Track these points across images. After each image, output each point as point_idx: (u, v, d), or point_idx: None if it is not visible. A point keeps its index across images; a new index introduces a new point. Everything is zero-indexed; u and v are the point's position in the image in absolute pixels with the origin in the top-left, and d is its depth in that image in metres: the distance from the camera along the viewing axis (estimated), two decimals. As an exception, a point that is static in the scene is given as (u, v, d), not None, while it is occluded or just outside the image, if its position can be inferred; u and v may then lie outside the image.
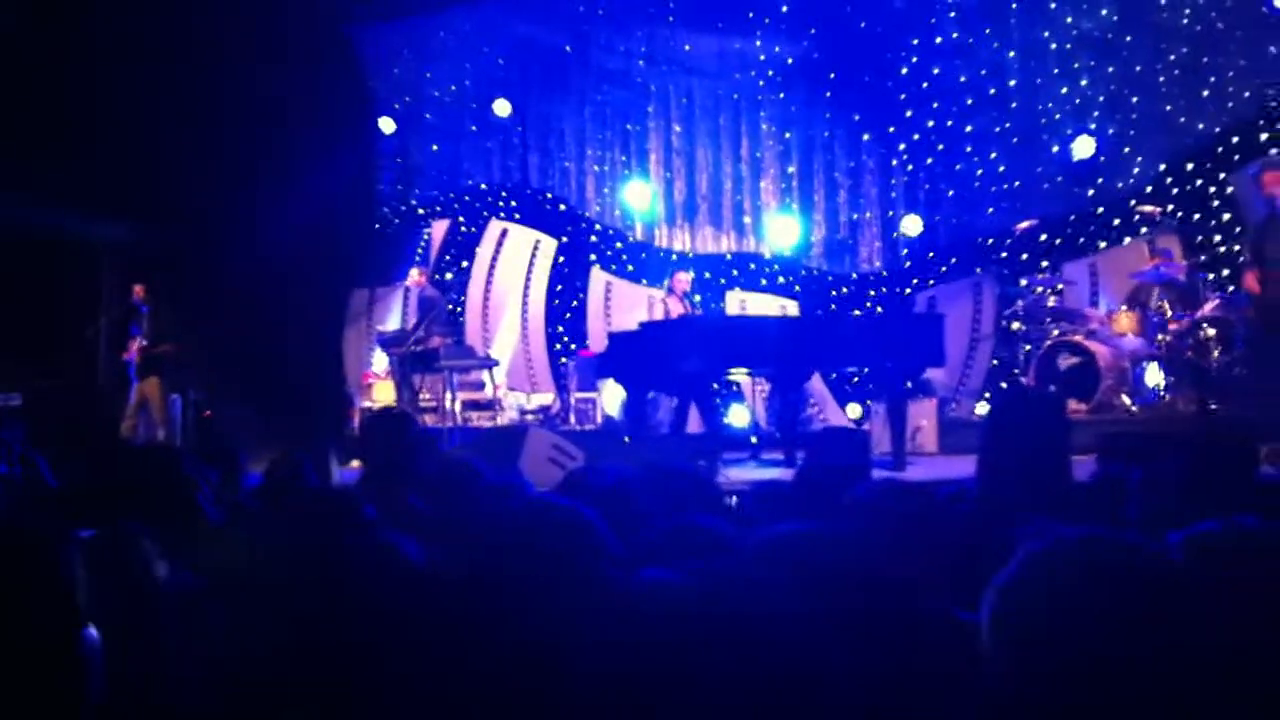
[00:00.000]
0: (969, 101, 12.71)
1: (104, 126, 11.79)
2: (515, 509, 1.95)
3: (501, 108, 14.67)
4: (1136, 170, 11.86)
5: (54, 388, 11.42)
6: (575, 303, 14.74)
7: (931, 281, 13.01)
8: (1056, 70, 12.28)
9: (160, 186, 12.38)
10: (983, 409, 12.10)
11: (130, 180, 12.23)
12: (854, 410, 12.56)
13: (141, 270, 11.82)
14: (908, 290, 13.09)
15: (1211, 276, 10.71)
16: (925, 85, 12.91)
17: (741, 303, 13.81)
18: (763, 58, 13.73)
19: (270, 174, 13.03)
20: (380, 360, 13.90)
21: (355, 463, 7.83)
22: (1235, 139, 11.41)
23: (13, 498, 4.23)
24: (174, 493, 3.54)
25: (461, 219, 15.45)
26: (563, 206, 14.95)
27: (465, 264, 15.27)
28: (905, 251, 13.17)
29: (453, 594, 1.97)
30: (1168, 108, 11.75)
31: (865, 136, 13.36)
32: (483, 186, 15.39)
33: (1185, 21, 11.65)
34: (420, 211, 15.60)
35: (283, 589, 2.33)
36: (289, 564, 2.59)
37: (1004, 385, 12.12)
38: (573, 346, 14.42)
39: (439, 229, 15.48)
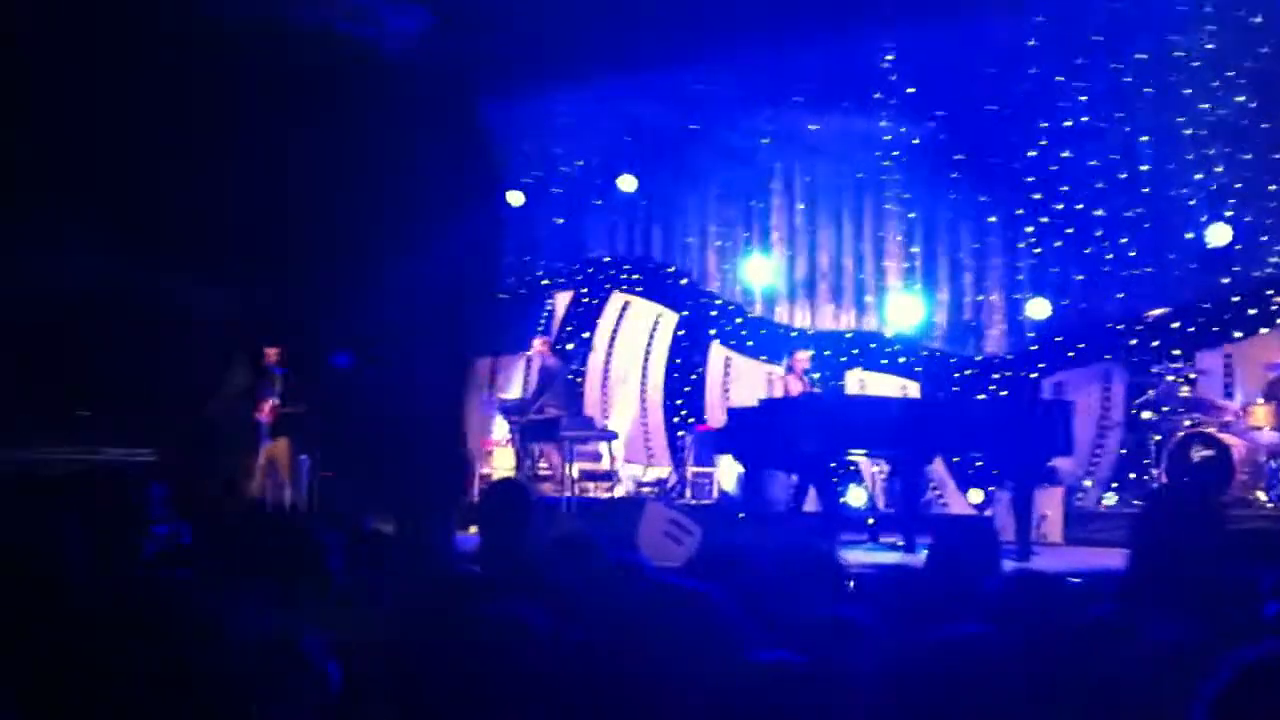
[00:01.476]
0: (1099, 185, 12.52)
1: (235, 192, 12.19)
2: (651, 589, 1.96)
3: (626, 183, 14.85)
4: (1274, 259, 11.55)
5: (185, 446, 11.73)
6: (694, 377, 14.76)
7: (1059, 367, 12.75)
8: (1190, 155, 12.04)
9: (292, 251, 12.77)
10: (1111, 499, 11.81)
11: (262, 245, 12.63)
12: (975, 495, 12.32)
13: (272, 334, 12.14)
14: (1034, 375, 12.84)
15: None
16: (1053, 168, 12.75)
17: (861, 382, 13.69)
18: (888, 138, 13.72)
19: (399, 241, 13.35)
20: (501, 428, 14.05)
21: (473, 529, 7.90)
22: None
23: (158, 557, 4.35)
24: (304, 557, 3.61)
25: (584, 290, 15.62)
26: (684, 281, 15.03)
27: (587, 335, 15.41)
28: (1032, 335, 12.94)
29: (584, 668, 1.97)
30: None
31: (991, 218, 13.23)
32: (606, 259, 15.56)
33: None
34: (544, 282, 15.81)
35: (412, 655, 2.36)
36: (419, 630, 2.62)
37: (1135, 477, 11.79)
38: (691, 420, 14.41)
39: (562, 300, 15.67)
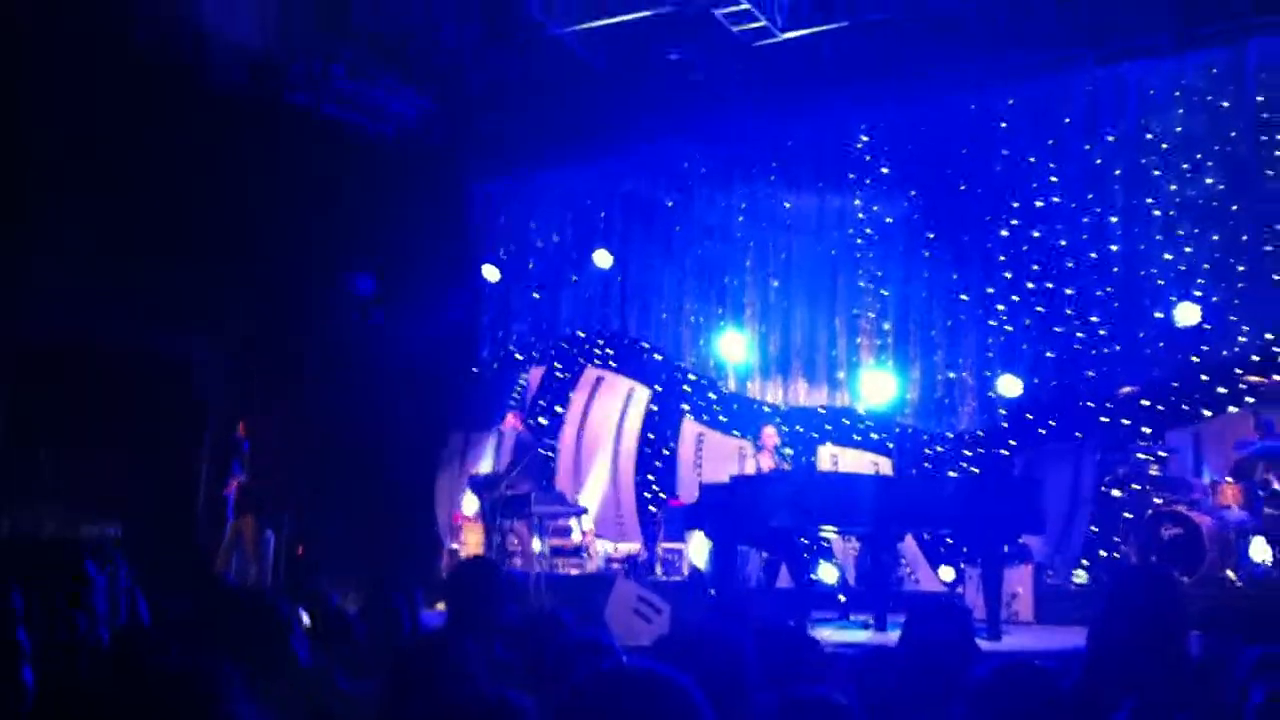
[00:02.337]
0: (1069, 264, 12.63)
1: (214, 262, 12.18)
2: (614, 673, 1.92)
3: (602, 259, 14.92)
4: (1242, 339, 11.63)
5: (151, 520, 11.60)
6: (666, 452, 14.74)
7: (1029, 444, 12.78)
8: (1160, 236, 12.16)
9: (267, 324, 12.75)
10: (1081, 577, 11.79)
11: (238, 317, 12.61)
12: (946, 573, 12.30)
13: (243, 406, 12.07)
14: (1005, 452, 12.87)
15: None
16: (1025, 248, 12.87)
17: (834, 458, 13.69)
18: (861, 216, 13.85)
19: (373, 315, 13.37)
20: (471, 503, 13.96)
21: (440, 605, 7.82)
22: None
23: (114, 635, 4.27)
24: (268, 635, 3.55)
25: (558, 365, 15.63)
26: (658, 356, 15.06)
27: (559, 409, 15.39)
28: (1003, 412, 12.98)
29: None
30: (1275, 277, 11.56)
31: (964, 296, 13.32)
32: (580, 334, 15.59)
33: (1292, 192, 11.56)
34: (518, 357, 15.81)
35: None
36: (383, 709, 2.57)
37: (1105, 555, 11.78)
38: (662, 496, 14.37)
39: (535, 374, 15.67)
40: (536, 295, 15.80)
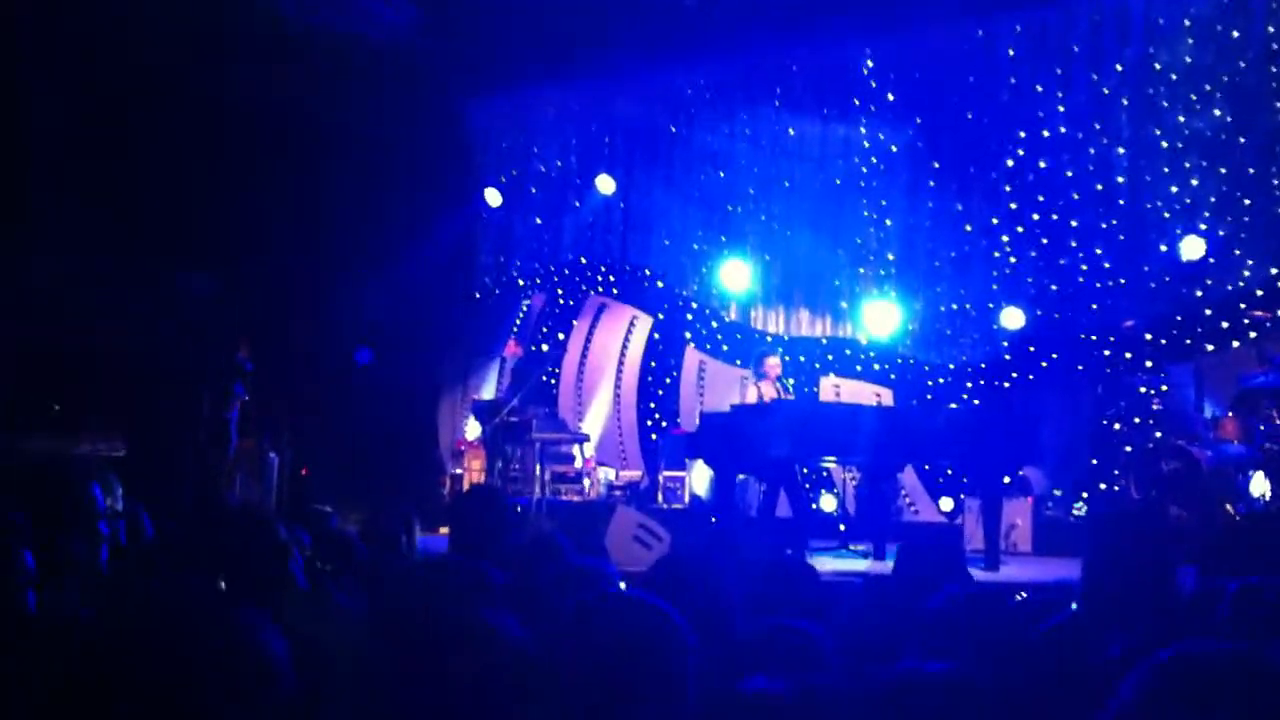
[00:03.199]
0: (1075, 196, 12.55)
1: (207, 184, 12.14)
2: (607, 604, 1.94)
3: (605, 184, 14.83)
4: (1247, 273, 11.59)
5: (155, 440, 11.65)
6: (669, 380, 14.75)
7: (1031, 376, 12.78)
8: (1166, 169, 12.07)
9: (264, 246, 12.72)
10: (1081, 509, 11.84)
11: (235, 241, 12.58)
12: (946, 504, 12.35)
13: (245, 330, 12.07)
14: (1006, 384, 12.88)
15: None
16: (1031, 178, 12.78)
17: (835, 388, 13.70)
18: (867, 145, 13.73)
19: (375, 239, 13.32)
20: (474, 428, 14.02)
21: (444, 529, 7.87)
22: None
23: (115, 549, 4.29)
24: (267, 557, 3.57)
25: (560, 292, 15.60)
26: (660, 284, 15.02)
27: (562, 336, 15.40)
28: (1005, 344, 12.95)
29: (549, 680, 1.95)
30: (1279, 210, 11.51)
31: (968, 227, 13.23)
32: (582, 261, 15.53)
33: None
34: (520, 283, 15.78)
35: (378, 662, 2.33)
36: (387, 638, 2.59)
37: (1105, 487, 11.83)
38: (664, 424, 14.41)
39: (537, 301, 15.65)
40: (539, 221, 15.73)
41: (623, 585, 4.10)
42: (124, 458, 11.28)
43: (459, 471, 13.78)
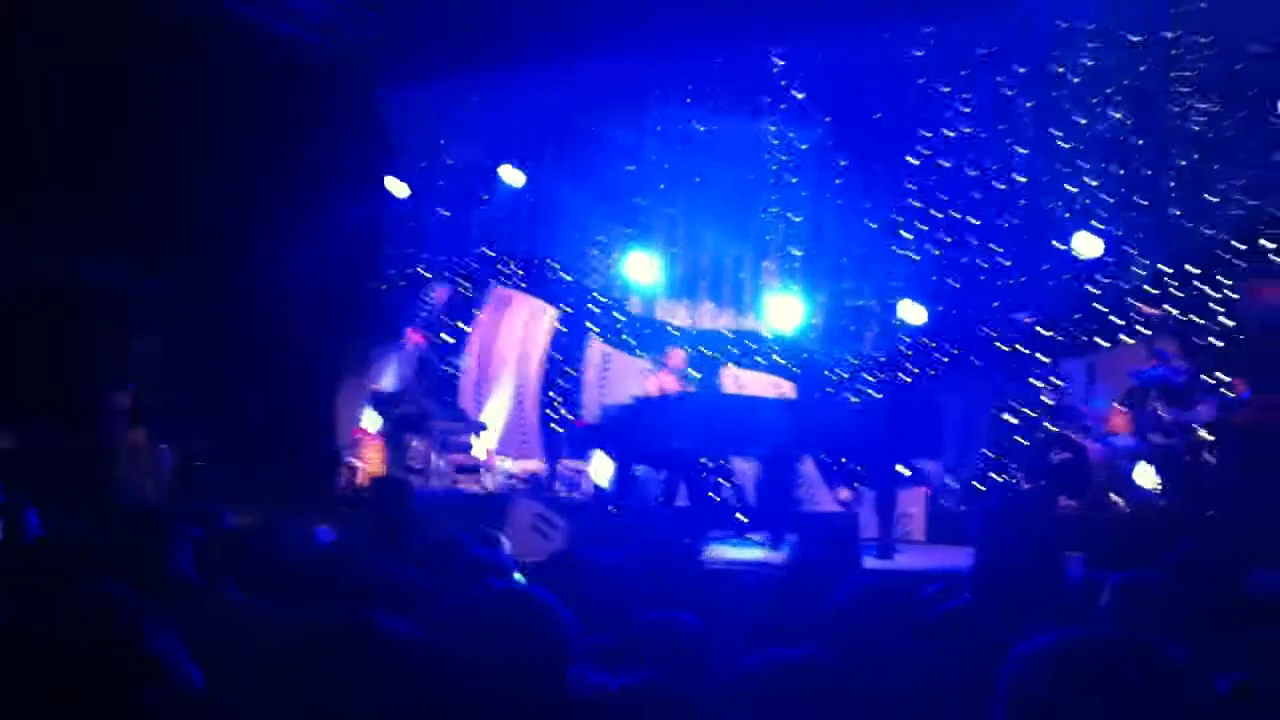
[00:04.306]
0: (976, 195, 12.76)
1: (120, 172, 11.88)
2: (495, 595, 1.93)
3: (512, 176, 14.76)
4: (1141, 272, 11.88)
5: (45, 434, 11.35)
6: (572, 371, 14.73)
7: (930, 371, 12.98)
8: (1066, 168, 12.34)
9: (165, 235, 12.46)
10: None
11: (136, 226, 12.31)
12: (844, 494, 12.49)
13: (140, 320, 11.82)
14: (906, 378, 13.07)
15: (1210, 380, 10.71)
16: (934, 177, 12.97)
17: (738, 381, 13.78)
18: (776, 141, 13.82)
19: (278, 227, 13.12)
20: (372, 418, 13.87)
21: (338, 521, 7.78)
22: (1241, 245, 11.45)
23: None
24: (157, 553, 3.51)
25: (465, 283, 15.49)
26: (566, 276, 14.99)
27: (465, 327, 15.29)
28: (906, 339, 13.15)
29: (429, 677, 1.94)
30: (1175, 211, 11.79)
31: (872, 224, 13.40)
32: (489, 253, 15.45)
33: (1196, 128, 11.74)
34: (425, 274, 15.64)
35: (268, 664, 2.30)
36: (275, 639, 2.56)
37: (996, 479, 12.06)
38: (568, 416, 14.38)
39: (441, 292, 15.52)
40: (446, 213, 15.60)
41: (519, 576, 4.10)
42: (7, 450, 10.97)
43: (356, 462, 13.62)
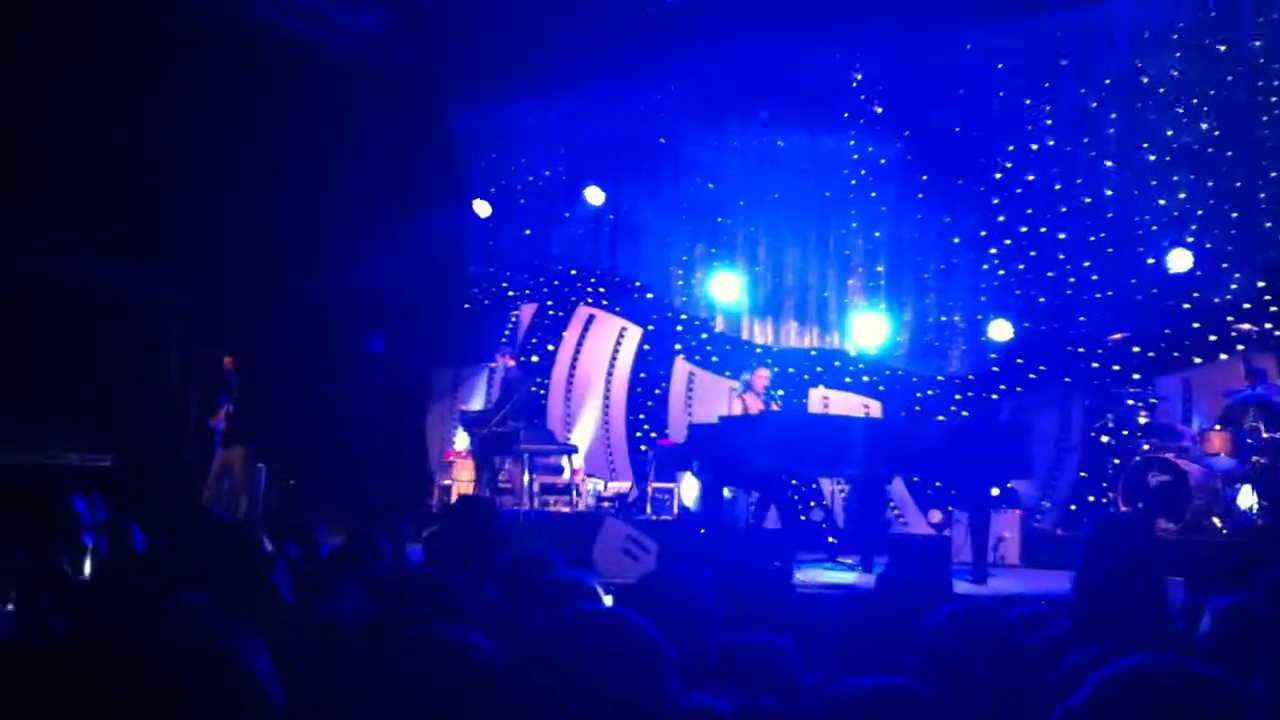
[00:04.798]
0: (1063, 209, 12.59)
1: (198, 197, 12.11)
2: (585, 618, 1.93)
3: (594, 195, 14.84)
4: (1234, 286, 11.62)
5: (141, 451, 11.61)
6: (658, 391, 14.75)
7: (1019, 388, 12.80)
8: (1154, 182, 12.12)
9: (254, 258, 12.69)
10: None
11: (230, 253, 12.55)
12: (935, 516, 12.35)
13: (235, 341, 12.04)
14: (994, 396, 12.89)
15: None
16: (1019, 191, 12.82)
17: (824, 400, 13.72)
18: (855, 157, 13.76)
19: (366, 250, 13.30)
20: (462, 439, 14.01)
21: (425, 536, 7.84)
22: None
23: (99, 564, 4.28)
24: (252, 571, 3.56)
25: (550, 303, 15.60)
26: (650, 295, 15.03)
27: (551, 347, 15.39)
28: (993, 356, 12.98)
29: (518, 698, 1.95)
30: (1267, 224, 11.55)
31: (956, 239, 13.28)
32: (572, 272, 15.54)
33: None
34: (510, 294, 15.78)
35: (356, 682, 2.33)
36: (366, 654, 2.58)
37: (1093, 500, 11.84)
38: (653, 435, 14.39)
39: (527, 312, 15.64)
40: (528, 232, 15.73)
41: (608, 599, 4.09)
42: (110, 469, 11.24)
43: (448, 482, 13.76)
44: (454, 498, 12.92)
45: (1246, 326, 11.01)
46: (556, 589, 3.58)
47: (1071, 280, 12.54)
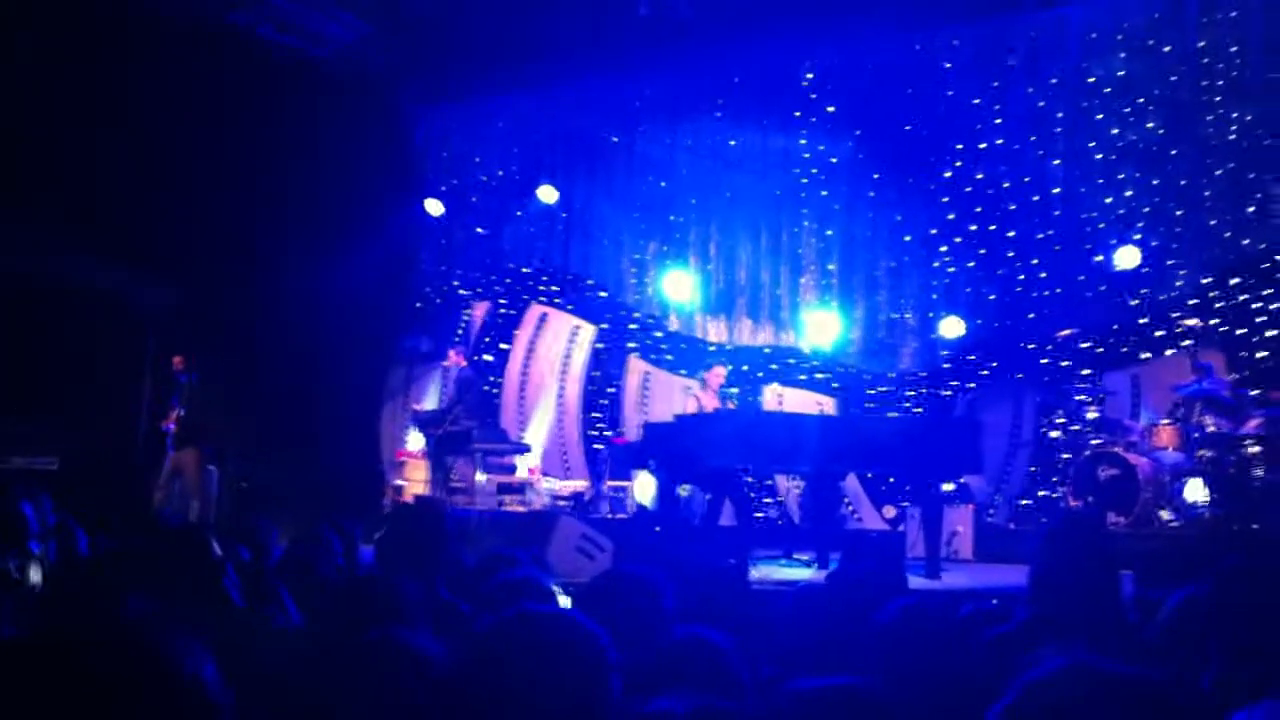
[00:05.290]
0: (1012, 207, 12.71)
1: (154, 194, 12.00)
2: (528, 619, 1.92)
3: (547, 194, 14.81)
4: (1180, 282, 11.78)
5: (89, 453, 11.47)
6: (612, 389, 14.75)
7: (971, 385, 12.91)
8: (1101, 180, 12.26)
9: (207, 256, 12.57)
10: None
11: (178, 249, 12.42)
12: (889, 511, 12.43)
13: (183, 339, 11.91)
14: (946, 393, 13.00)
15: (1255, 392, 10.58)
16: (968, 189, 12.93)
17: (778, 397, 13.76)
18: (807, 155, 13.82)
19: (316, 248, 13.21)
20: (415, 439, 13.92)
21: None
22: (1280, 256, 11.36)
23: (47, 569, 4.22)
24: (201, 575, 3.53)
25: (502, 301, 15.55)
26: (603, 293, 15.02)
27: (504, 346, 15.34)
28: (945, 354, 13.08)
29: (463, 701, 1.93)
30: (1212, 221, 11.70)
31: (907, 237, 13.37)
32: (525, 270, 15.50)
33: (1232, 137, 11.66)
34: (462, 292, 15.71)
35: (304, 684, 2.30)
36: (308, 659, 2.56)
37: (1044, 494, 11.96)
38: (608, 433, 14.38)
39: (479, 310, 15.58)
40: (481, 230, 15.67)
41: (565, 600, 4.08)
42: (56, 472, 11.09)
43: (400, 483, 13.67)
44: (407, 498, 12.83)
45: (1193, 322, 11.15)
46: (513, 589, 3.56)
47: (1021, 278, 12.67)
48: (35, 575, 4.42)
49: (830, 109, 13.65)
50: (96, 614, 3.08)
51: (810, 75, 13.76)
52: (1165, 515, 10.30)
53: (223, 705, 1.89)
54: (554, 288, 15.35)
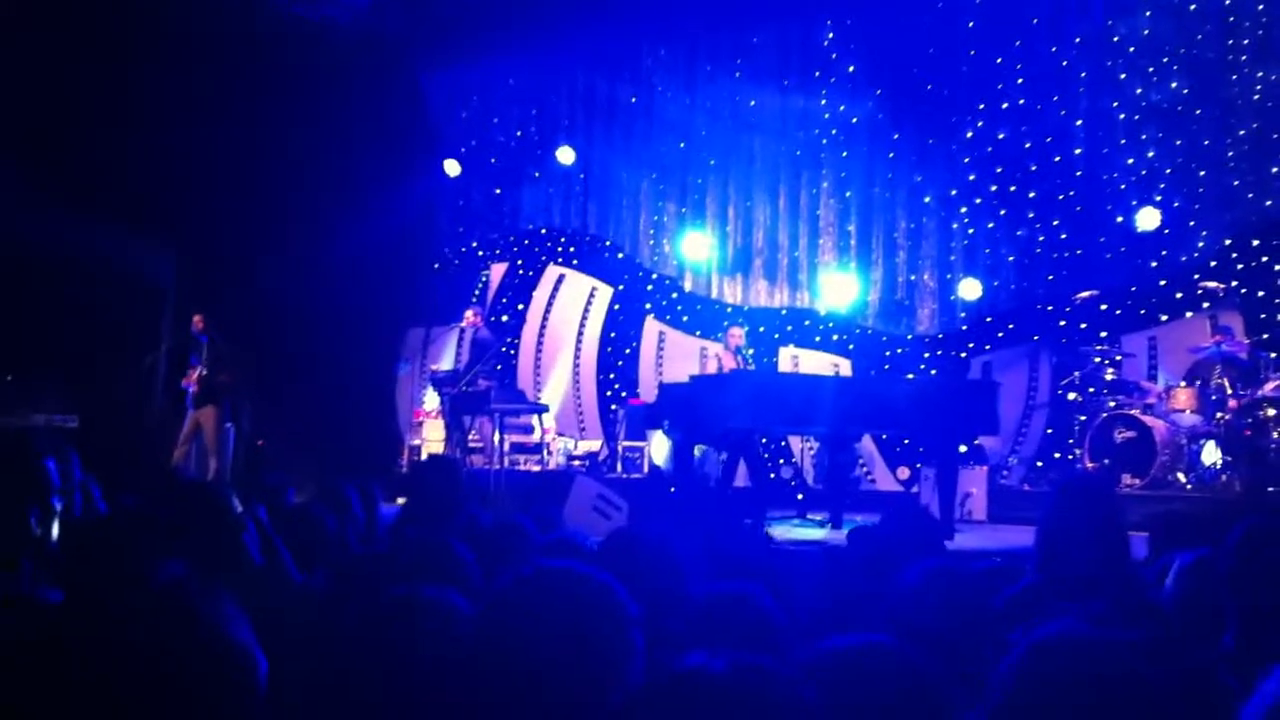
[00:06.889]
0: (1032, 168, 12.62)
1: (171, 159, 12.02)
2: (544, 575, 1.93)
3: (565, 155, 14.77)
4: (1201, 244, 11.70)
5: (109, 412, 11.54)
6: (628, 351, 14.75)
7: (988, 347, 12.88)
8: (1123, 140, 12.16)
9: (228, 219, 12.60)
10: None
11: (196, 212, 12.45)
12: (903, 472, 12.44)
13: (203, 300, 11.96)
14: (963, 355, 12.97)
15: (1274, 355, 10.54)
16: (989, 149, 12.83)
17: (794, 359, 13.75)
18: (826, 116, 13.72)
19: (333, 210, 13.22)
20: (432, 399, 13.96)
21: (400, 500, 7.84)
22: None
23: (70, 525, 4.24)
24: (220, 532, 3.55)
25: (520, 262, 15.54)
26: (620, 254, 15.00)
27: (521, 307, 15.35)
28: (963, 315, 13.04)
29: (486, 659, 1.95)
30: (1235, 183, 11.60)
31: (926, 198, 13.30)
32: (542, 231, 15.48)
33: (1256, 98, 11.55)
34: (479, 253, 15.71)
35: (324, 643, 2.32)
36: (336, 614, 2.58)
37: (1059, 457, 11.96)
38: (624, 394, 14.41)
39: (497, 271, 15.59)
40: (498, 191, 15.65)
41: (577, 556, 4.09)
42: (77, 429, 11.17)
43: (417, 442, 13.73)
44: (423, 457, 12.89)
45: (1213, 284, 11.09)
46: (530, 547, 3.58)
47: (1040, 239, 12.59)
48: (57, 531, 4.45)
49: (851, 69, 13.55)
50: (125, 575, 3.10)
51: (831, 35, 13.66)
52: (1181, 478, 10.30)
53: (261, 667, 1.92)
54: (571, 249, 15.33)
